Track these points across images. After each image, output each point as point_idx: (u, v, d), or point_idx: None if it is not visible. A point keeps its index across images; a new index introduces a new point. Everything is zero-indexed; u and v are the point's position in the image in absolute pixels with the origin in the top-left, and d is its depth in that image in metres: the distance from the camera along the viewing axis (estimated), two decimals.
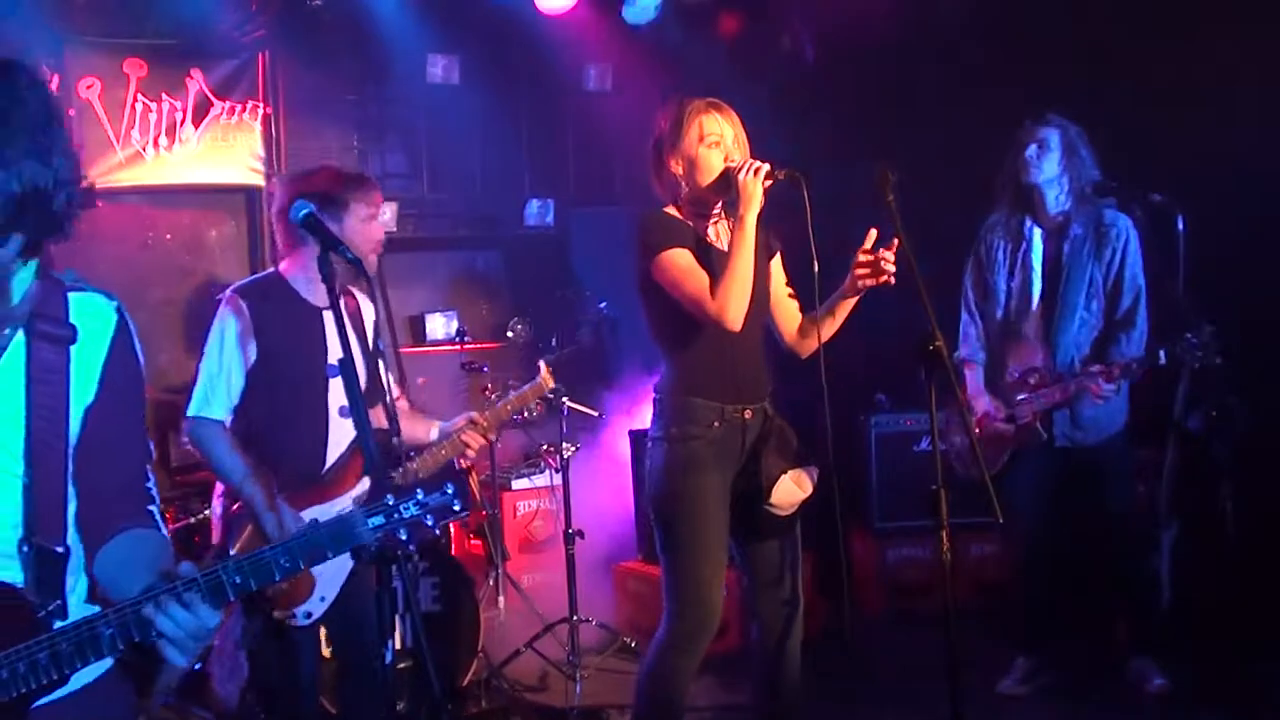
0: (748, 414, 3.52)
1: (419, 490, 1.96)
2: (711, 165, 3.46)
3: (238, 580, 1.82)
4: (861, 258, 3.39)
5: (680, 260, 3.42)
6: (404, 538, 1.95)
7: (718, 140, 3.46)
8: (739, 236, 3.37)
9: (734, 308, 3.36)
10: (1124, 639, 4.69)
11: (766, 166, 3.38)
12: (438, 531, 1.98)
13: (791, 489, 3.48)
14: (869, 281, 3.40)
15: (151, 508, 2.00)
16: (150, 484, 2.01)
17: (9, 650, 1.74)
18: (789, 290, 3.69)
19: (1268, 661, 4.41)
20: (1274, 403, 4.57)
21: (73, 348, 1.86)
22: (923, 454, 5.83)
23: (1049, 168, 4.42)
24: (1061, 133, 4.41)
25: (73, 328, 1.86)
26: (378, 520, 1.92)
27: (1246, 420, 4.27)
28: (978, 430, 4.59)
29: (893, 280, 3.36)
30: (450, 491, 1.97)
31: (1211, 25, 4.98)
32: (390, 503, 1.93)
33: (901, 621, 5.66)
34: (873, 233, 3.40)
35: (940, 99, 5.98)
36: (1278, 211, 4.75)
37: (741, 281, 3.36)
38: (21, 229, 1.77)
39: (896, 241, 3.34)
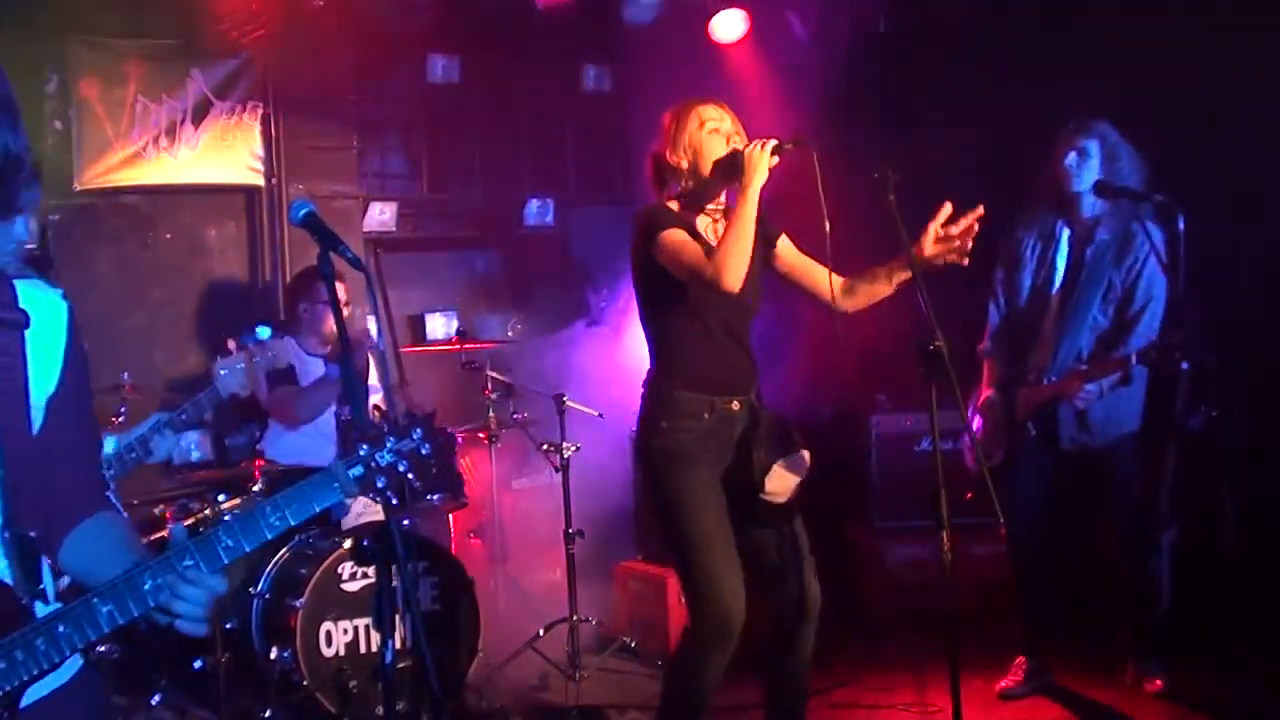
0: (735, 405, 3.56)
1: (389, 438, 2.00)
2: (714, 150, 3.54)
3: (230, 543, 1.84)
4: (939, 232, 3.43)
5: (677, 236, 3.48)
6: (382, 485, 1.97)
7: (717, 127, 3.54)
8: (741, 203, 3.40)
9: (733, 267, 3.37)
10: (1124, 639, 4.69)
11: (774, 141, 3.43)
12: (412, 477, 2.00)
13: (784, 475, 3.52)
14: (946, 258, 3.44)
15: (108, 492, 2.01)
16: (104, 468, 2.02)
17: (2, 639, 1.73)
18: (810, 257, 3.72)
19: (1268, 661, 4.41)
20: (1274, 403, 4.58)
21: (28, 333, 1.84)
22: (923, 454, 5.83)
23: (1088, 176, 4.43)
24: (1102, 141, 4.42)
25: (24, 313, 1.84)
26: (357, 470, 1.96)
27: (1246, 420, 4.27)
28: (977, 420, 4.66)
29: (964, 260, 3.42)
30: (418, 435, 2.01)
31: (1214, 24, 4.99)
32: (365, 451, 1.97)
33: (902, 621, 5.66)
34: (947, 206, 3.44)
35: (942, 100, 5.98)
36: (1278, 212, 4.75)
37: (742, 242, 3.37)
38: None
39: (977, 215, 3.41)
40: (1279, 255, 4.71)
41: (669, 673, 3.71)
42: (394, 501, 2.01)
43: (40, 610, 1.81)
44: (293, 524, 1.90)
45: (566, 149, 7.35)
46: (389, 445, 1.99)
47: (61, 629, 1.75)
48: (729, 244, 3.37)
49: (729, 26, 6.51)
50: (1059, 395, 4.40)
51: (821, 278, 3.62)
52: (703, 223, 3.63)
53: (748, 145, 3.45)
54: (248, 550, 1.85)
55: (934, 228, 3.44)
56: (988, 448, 4.62)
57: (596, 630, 5.46)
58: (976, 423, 4.67)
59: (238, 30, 5.98)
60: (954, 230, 3.43)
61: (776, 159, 3.42)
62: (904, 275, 3.49)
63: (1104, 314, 4.46)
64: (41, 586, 1.83)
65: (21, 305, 1.85)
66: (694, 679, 3.57)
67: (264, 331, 4.00)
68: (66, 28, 5.62)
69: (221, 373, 3.84)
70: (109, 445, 3.48)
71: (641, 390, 3.67)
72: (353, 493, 1.95)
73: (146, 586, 1.77)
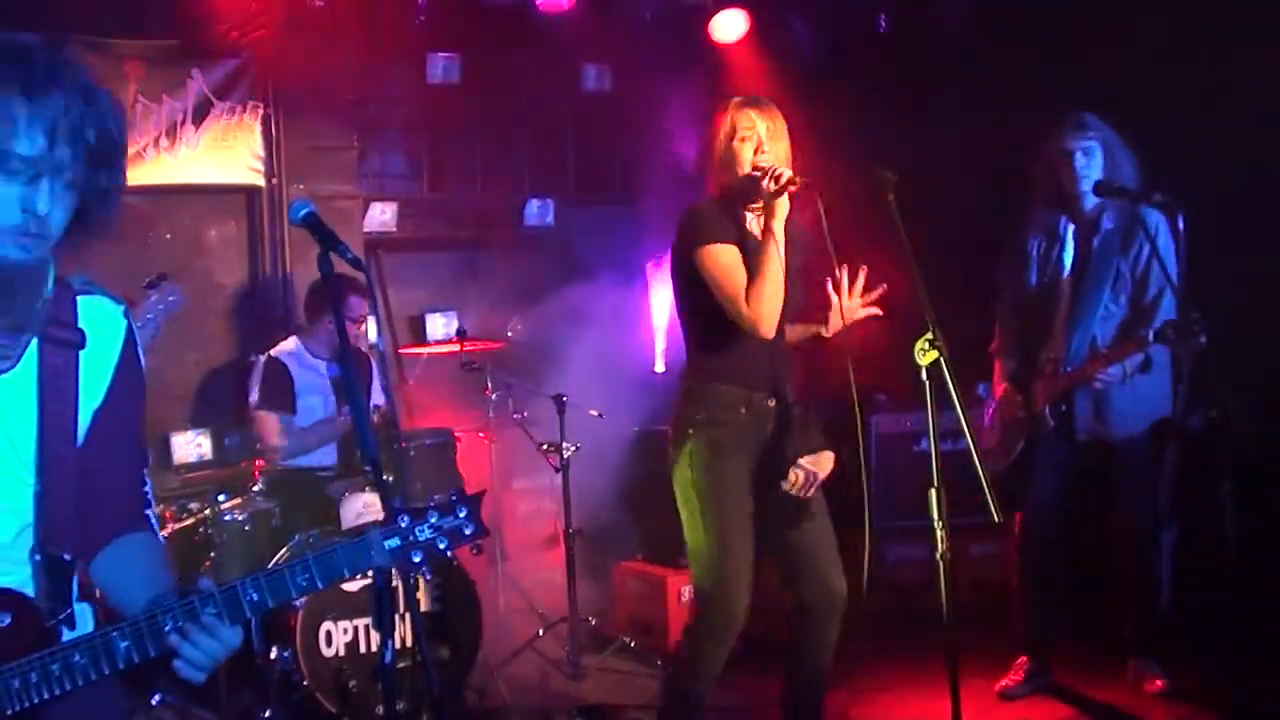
0: (771, 402, 3.65)
1: (433, 513, 1.94)
2: (743, 159, 3.58)
3: (255, 598, 1.81)
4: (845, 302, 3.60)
5: (723, 258, 3.54)
6: (418, 560, 1.93)
7: (747, 136, 3.57)
8: (766, 245, 3.48)
9: (768, 316, 3.49)
10: (1124, 639, 4.69)
11: (787, 174, 3.48)
12: (451, 555, 1.96)
13: (807, 471, 3.60)
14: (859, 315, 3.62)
15: (148, 512, 2.00)
16: (147, 488, 2.01)
17: (21, 660, 1.74)
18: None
19: (1268, 661, 4.41)
20: (1274, 403, 4.57)
21: (81, 353, 1.85)
22: (922, 454, 5.82)
23: (1094, 175, 4.44)
24: (1102, 140, 4.43)
25: (81, 333, 1.86)
26: (394, 543, 1.91)
27: (1246, 420, 4.27)
28: (989, 418, 4.67)
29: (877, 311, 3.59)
30: (463, 515, 1.96)
31: (1214, 24, 4.99)
32: (405, 524, 1.92)
33: (901, 621, 5.65)
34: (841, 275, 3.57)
35: (942, 99, 5.98)
36: (1278, 211, 4.75)
37: (773, 290, 3.48)
38: (83, 231, 1.78)
39: (863, 272, 3.56)
40: (1278, 254, 4.71)
41: (671, 667, 3.83)
42: (429, 577, 1.97)
43: (66, 634, 1.82)
44: (320, 588, 1.87)
45: (566, 149, 7.35)
46: (431, 521, 1.93)
47: (77, 658, 1.75)
48: (761, 292, 3.47)
49: (729, 27, 6.53)
50: (1079, 381, 4.39)
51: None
52: (750, 219, 3.67)
53: (764, 174, 3.49)
54: (272, 606, 1.84)
55: (840, 302, 3.61)
56: (1006, 444, 4.61)
57: (596, 630, 5.46)
58: (989, 417, 4.67)
59: (238, 30, 5.99)
60: (857, 297, 3.60)
61: (794, 188, 3.48)
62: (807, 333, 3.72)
63: (1115, 302, 4.46)
64: (69, 609, 1.84)
65: (81, 323, 1.87)
66: (695, 671, 3.68)
67: (165, 280, 4.12)
68: (66, 28, 5.61)
69: (136, 325, 3.88)
70: None
71: (681, 384, 3.76)
72: (387, 565, 1.91)
73: (167, 629, 1.76)
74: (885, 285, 3.57)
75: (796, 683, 3.84)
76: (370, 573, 1.95)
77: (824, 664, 3.79)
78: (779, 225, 3.48)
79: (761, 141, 3.56)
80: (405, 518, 1.92)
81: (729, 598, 3.59)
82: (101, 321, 1.90)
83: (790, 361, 3.74)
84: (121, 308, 1.94)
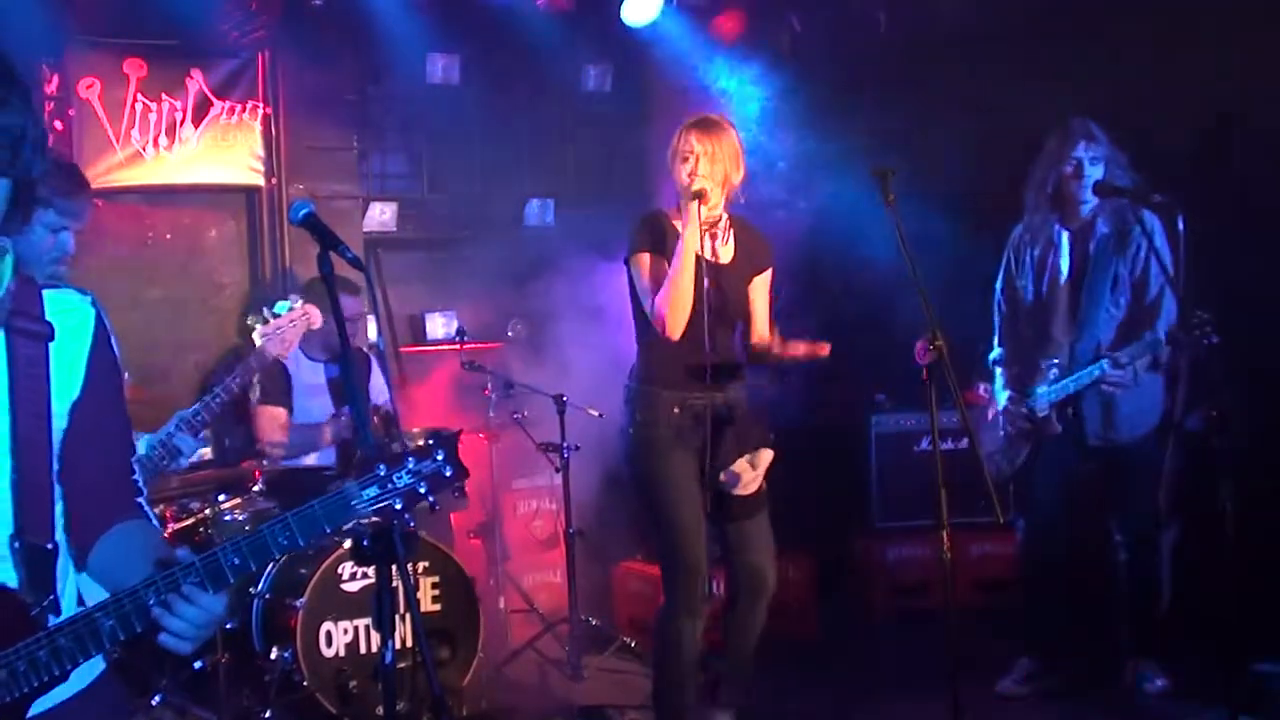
0: (706, 402, 3.82)
1: (410, 459, 1.91)
2: (679, 177, 3.84)
3: (236, 561, 1.80)
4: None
5: (643, 264, 3.85)
6: (399, 508, 1.89)
7: (686, 157, 3.81)
8: (677, 252, 3.71)
9: (670, 317, 3.70)
10: (1124, 639, 4.69)
11: (700, 187, 3.72)
12: (433, 500, 1.92)
13: (744, 470, 3.82)
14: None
15: (139, 499, 1.99)
16: (136, 475, 2.00)
17: (7, 650, 1.73)
18: (766, 304, 4.04)
19: (1268, 661, 4.41)
20: (1274, 403, 4.58)
21: (51, 345, 1.83)
22: (923, 454, 5.83)
23: (1094, 181, 4.45)
24: (1106, 147, 4.46)
25: (49, 325, 1.84)
26: (372, 491, 1.88)
27: (1246, 420, 4.27)
28: (990, 415, 4.67)
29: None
30: (440, 458, 1.92)
31: (1212, 24, 4.99)
32: (383, 472, 1.88)
33: (901, 621, 5.66)
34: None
35: (941, 99, 5.98)
36: (1278, 211, 4.75)
37: (677, 293, 3.70)
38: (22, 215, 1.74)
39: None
40: (1276, 254, 4.71)
41: (654, 646, 4.02)
42: (411, 524, 1.92)
43: (53, 622, 1.80)
44: (301, 545, 1.84)
45: (566, 149, 7.35)
46: (409, 466, 1.90)
47: (63, 642, 1.73)
48: (664, 295, 3.72)
49: (729, 26, 6.54)
50: (1092, 383, 4.38)
51: (756, 321, 4.03)
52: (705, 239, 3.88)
53: (691, 191, 3.72)
54: (254, 570, 1.80)
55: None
56: (1011, 453, 4.61)
57: (596, 630, 5.46)
58: (990, 414, 4.67)
59: (238, 30, 5.99)
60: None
61: (702, 200, 3.72)
62: (792, 352, 3.88)
63: (1115, 305, 4.47)
64: (53, 597, 1.82)
65: (49, 316, 1.84)
66: (673, 651, 3.87)
67: (284, 306, 4.08)
68: (66, 28, 5.61)
69: (266, 335, 3.91)
70: (140, 447, 3.49)
71: (624, 386, 3.99)
72: (366, 515, 1.87)
73: (150, 603, 1.75)
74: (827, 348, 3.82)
75: (726, 656, 4.07)
76: (352, 525, 1.89)
77: (748, 645, 3.99)
78: (689, 235, 3.69)
79: (697, 162, 3.76)
80: (382, 465, 1.88)
81: (684, 570, 3.80)
82: (69, 314, 1.87)
83: (736, 362, 3.92)
84: (89, 298, 1.91)
